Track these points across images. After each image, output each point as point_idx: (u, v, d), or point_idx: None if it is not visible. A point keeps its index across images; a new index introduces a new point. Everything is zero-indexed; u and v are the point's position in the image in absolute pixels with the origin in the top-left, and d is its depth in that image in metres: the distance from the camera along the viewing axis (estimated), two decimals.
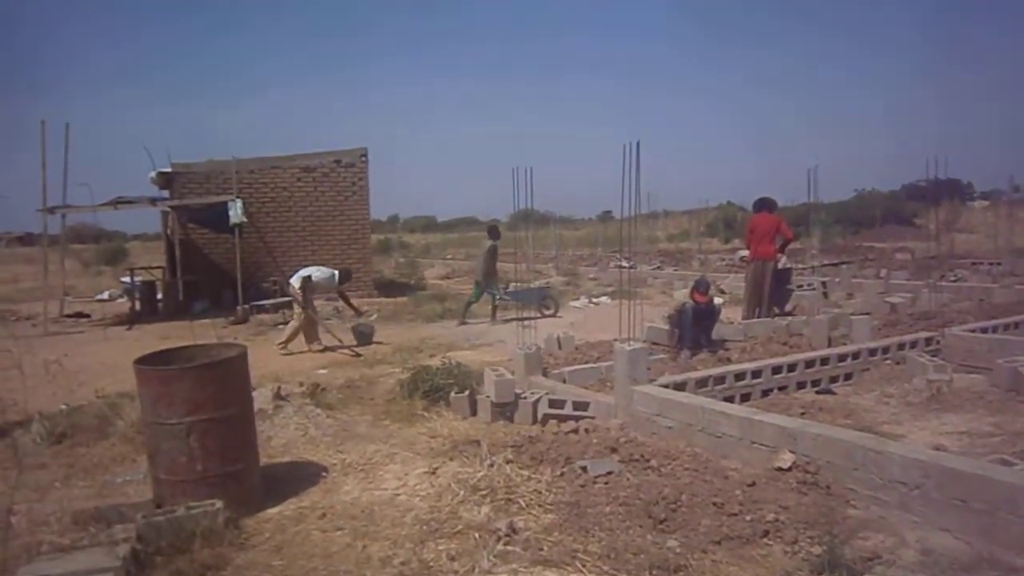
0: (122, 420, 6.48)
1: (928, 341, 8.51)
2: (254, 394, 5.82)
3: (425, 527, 4.27)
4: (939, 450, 5.12)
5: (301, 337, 11.02)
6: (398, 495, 4.83)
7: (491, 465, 4.97)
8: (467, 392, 6.94)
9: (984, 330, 8.87)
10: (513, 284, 14.79)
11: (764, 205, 11.90)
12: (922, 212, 34.47)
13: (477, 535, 4.06)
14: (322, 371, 9.18)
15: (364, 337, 11.37)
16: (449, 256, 37.65)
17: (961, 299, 12.87)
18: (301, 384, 7.74)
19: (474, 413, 6.81)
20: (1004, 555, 3.78)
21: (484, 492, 4.61)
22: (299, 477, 5.27)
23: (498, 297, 13.98)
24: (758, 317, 10.94)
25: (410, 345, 10.94)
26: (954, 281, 15.34)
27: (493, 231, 14.25)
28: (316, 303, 11.84)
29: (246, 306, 14.96)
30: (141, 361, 4.80)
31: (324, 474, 5.34)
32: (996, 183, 45.31)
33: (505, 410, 6.59)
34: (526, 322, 7.92)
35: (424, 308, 15.55)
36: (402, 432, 6.42)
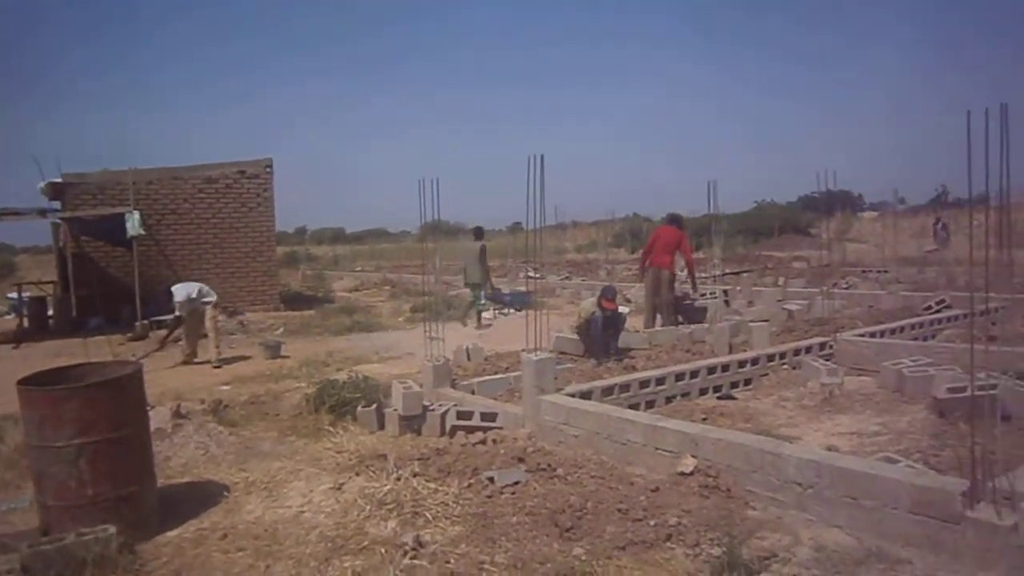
0: (4, 444, 6.15)
1: (822, 346, 8.88)
2: (151, 413, 5.61)
3: (330, 544, 4.20)
4: (832, 450, 5.33)
5: (208, 348, 10.81)
6: (303, 512, 4.74)
7: (398, 479, 4.93)
8: (374, 406, 6.87)
9: (872, 335, 9.32)
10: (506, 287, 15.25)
11: (673, 220, 12.38)
12: (817, 222, 36.00)
13: (383, 550, 4.02)
14: (225, 387, 8.93)
15: (271, 351, 11.16)
16: (359, 268, 37.22)
17: (852, 305, 13.46)
18: (203, 401, 7.51)
19: (382, 427, 6.74)
20: (891, 548, 3.97)
21: (391, 506, 4.56)
22: (199, 498, 5.10)
23: (481, 302, 14.27)
24: (657, 325, 11.23)
25: (317, 359, 10.76)
26: (846, 288, 16.06)
27: (479, 232, 15.24)
28: (219, 318, 11.55)
29: (145, 322, 14.40)
30: (26, 381, 4.57)
31: (226, 493, 5.18)
32: (883, 196, 47.75)
33: (413, 423, 6.54)
34: (433, 333, 7.87)
35: (332, 321, 15.30)
36: (308, 448, 6.29)
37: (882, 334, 9.51)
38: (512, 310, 16.26)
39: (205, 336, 11.01)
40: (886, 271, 18.93)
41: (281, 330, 14.11)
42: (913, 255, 23.17)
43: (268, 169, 18.18)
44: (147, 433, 4.95)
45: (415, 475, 5.03)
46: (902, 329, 9.93)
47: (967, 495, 3.82)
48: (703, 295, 13.57)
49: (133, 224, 15.62)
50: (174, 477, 5.58)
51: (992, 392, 5.05)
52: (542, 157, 6.48)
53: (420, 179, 7.86)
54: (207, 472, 5.71)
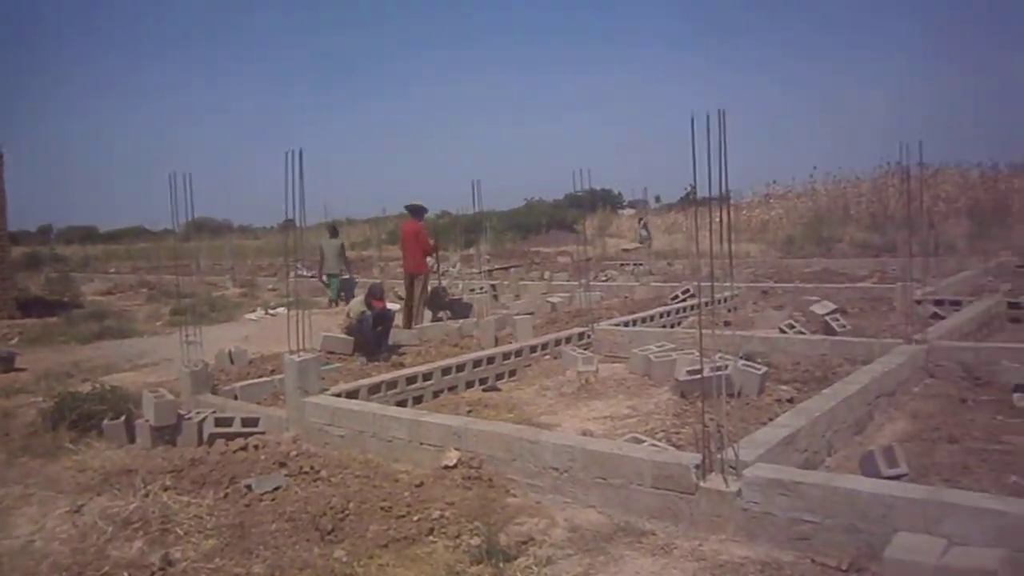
0: None
1: (581, 336, 9.39)
2: None
3: (66, 573, 3.84)
4: (586, 435, 5.66)
5: None
6: (33, 542, 4.29)
7: (146, 495, 4.61)
8: (123, 418, 6.37)
9: (626, 324, 9.98)
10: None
11: (412, 211, 11.75)
12: (580, 219, 37.98)
13: (127, 573, 3.73)
14: None
15: (1, 363, 9.98)
16: (112, 270, 34.33)
17: (610, 297, 14.36)
18: None
19: (132, 440, 6.26)
20: (637, 521, 4.28)
21: (137, 525, 4.25)
22: None
23: (333, 298, 15.08)
24: (414, 326, 11.16)
25: (60, 370, 9.76)
26: (605, 281, 17.09)
27: (334, 230, 16.62)
28: None
29: None
30: None
31: None
32: (640, 194, 51.25)
33: (167, 434, 6.14)
34: (190, 336, 7.42)
35: (79, 328, 13.95)
36: (44, 469, 5.70)
37: (635, 323, 10.21)
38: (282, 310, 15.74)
39: None
40: (641, 264, 20.37)
41: (16, 340, 12.70)
42: (664, 249, 25.12)
43: None
44: None
45: (166, 489, 4.73)
46: (652, 318, 10.72)
47: (700, 467, 4.19)
48: (471, 290, 13.87)
49: None
50: None
51: (723, 372, 5.56)
52: (300, 152, 6.32)
53: (171, 174, 7.36)
54: None
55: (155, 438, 6.12)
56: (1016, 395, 6.21)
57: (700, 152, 4.12)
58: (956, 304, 10.33)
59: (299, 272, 20.69)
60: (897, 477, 4.50)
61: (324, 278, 15.63)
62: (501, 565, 3.71)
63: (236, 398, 7.28)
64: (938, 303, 10.41)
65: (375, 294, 9.28)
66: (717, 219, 4.44)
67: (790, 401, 6.21)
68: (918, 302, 10.04)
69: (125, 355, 10.93)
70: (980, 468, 4.78)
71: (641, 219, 31.01)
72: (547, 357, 8.75)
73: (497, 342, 9.35)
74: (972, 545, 3.34)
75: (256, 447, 5.68)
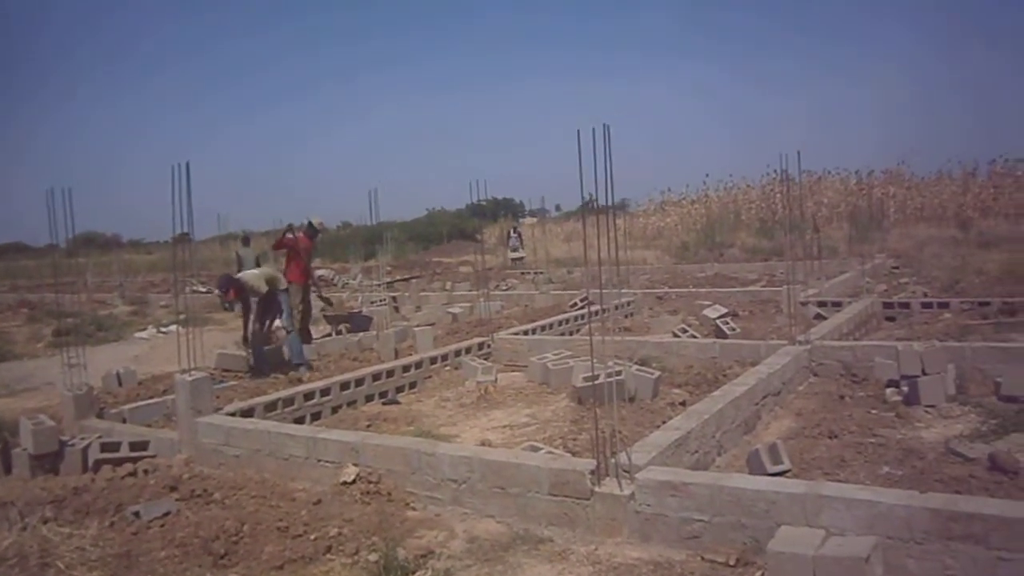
0: None
1: (481, 346, 9.43)
2: None
3: None
4: (485, 445, 5.68)
5: None
6: None
7: (23, 528, 4.38)
8: None
9: (525, 332, 10.08)
10: None
11: (316, 230, 11.45)
12: (482, 229, 38.15)
13: None
14: None
15: None
16: None
17: (511, 306, 14.47)
18: None
19: (9, 471, 5.93)
20: (536, 529, 4.34)
21: (12, 562, 4.03)
22: None
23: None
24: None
25: None
26: (506, 290, 17.22)
27: (246, 239, 18.37)
28: None
29: None
30: None
31: None
32: (541, 203, 51.81)
33: (47, 462, 5.84)
34: (73, 359, 7.09)
35: None
36: None
37: (534, 331, 10.32)
38: (175, 327, 15.22)
39: None
40: (541, 272, 20.59)
41: None
42: (563, 256, 25.44)
43: None
44: None
45: (46, 521, 4.49)
46: (551, 326, 10.85)
47: (595, 473, 4.28)
48: (372, 302, 13.73)
49: None
50: None
51: (618, 378, 5.70)
52: (187, 164, 6.16)
53: (48, 190, 7.04)
54: None
55: (35, 467, 5.80)
56: (888, 390, 6.59)
57: (589, 164, 4.23)
58: (837, 305, 10.87)
59: (194, 288, 20.09)
60: (781, 473, 4.72)
61: None
62: None
63: (124, 421, 7.00)
64: (821, 304, 10.93)
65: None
66: (614, 227, 4.57)
67: (683, 404, 6.40)
68: (803, 304, 10.53)
69: (1, 380, 10.35)
70: (856, 461, 5.06)
71: (514, 228, 30.05)
72: (447, 368, 8.76)
73: (397, 354, 9.29)
74: (847, 534, 3.54)
75: (146, 471, 5.48)
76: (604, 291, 4.84)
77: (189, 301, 9.20)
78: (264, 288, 8.86)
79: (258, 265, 15.36)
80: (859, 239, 18.93)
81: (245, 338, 9.61)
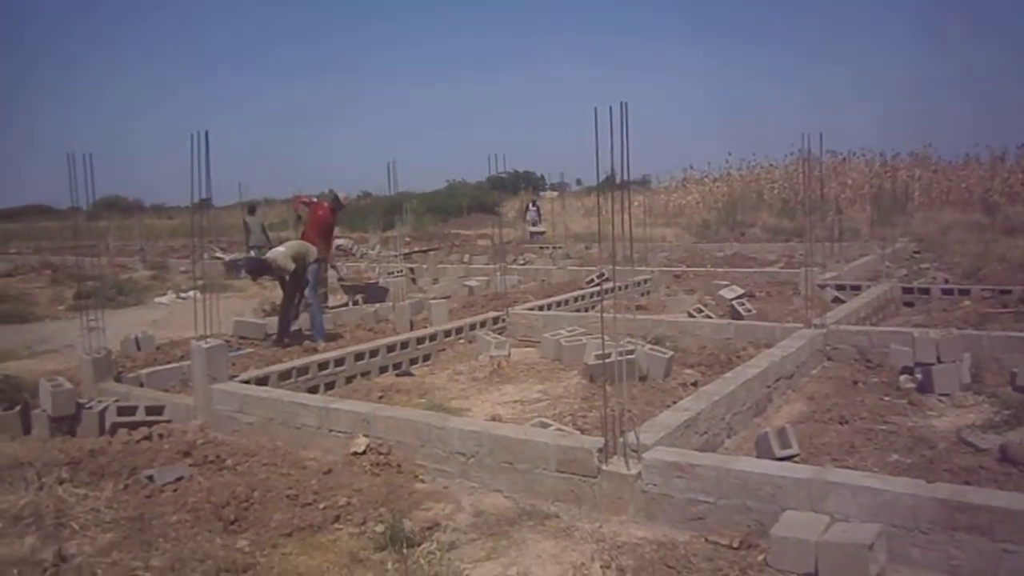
0: None
1: (495, 320, 9.45)
2: None
3: None
4: (495, 419, 5.72)
5: None
6: None
7: (40, 488, 4.47)
8: (18, 408, 6.14)
9: (540, 308, 10.09)
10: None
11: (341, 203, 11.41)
12: (502, 201, 38.06)
13: (16, 572, 3.63)
14: None
15: None
16: (14, 251, 32.78)
17: (528, 280, 14.46)
18: None
19: (28, 432, 6.05)
20: (542, 505, 4.37)
21: (28, 521, 4.12)
22: None
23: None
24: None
25: None
26: (523, 264, 17.21)
27: (251, 208, 18.39)
28: None
29: None
30: None
31: None
32: (561, 177, 51.65)
33: (65, 424, 5.95)
34: (92, 321, 7.18)
35: None
36: None
37: (549, 307, 10.33)
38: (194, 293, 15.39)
39: None
40: (560, 247, 20.54)
41: None
42: (582, 231, 25.34)
43: None
44: None
45: (62, 482, 4.59)
46: (567, 302, 10.86)
47: (603, 451, 4.30)
48: (390, 273, 13.78)
49: None
50: None
51: (629, 357, 5.70)
52: (206, 133, 6.20)
53: (69, 154, 7.09)
54: None
55: (53, 429, 5.92)
56: (902, 377, 6.55)
57: (606, 143, 4.21)
58: (856, 289, 10.78)
59: (215, 254, 20.24)
60: (789, 458, 4.72)
61: (252, 252, 16.32)
62: (405, 551, 3.76)
63: (142, 385, 7.10)
64: (840, 287, 10.85)
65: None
66: (635, 204, 4.56)
67: (694, 384, 6.40)
68: (821, 286, 10.46)
69: (23, 341, 10.51)
70: (865, 447, 5.05)
71: (533, 202, 30.28)
72: (461, 341, 8.79)
73: (413, 326, 9.34)
74: (852, 521, 3.54)
75: (160, 436, 5.56)
76: (620, 269, 4.81)
77: (207, 267, 9.26)
78: (291, 266, 8.82)
79: (264, 233, 17.35)
80: (882, 222, 18.74)
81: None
